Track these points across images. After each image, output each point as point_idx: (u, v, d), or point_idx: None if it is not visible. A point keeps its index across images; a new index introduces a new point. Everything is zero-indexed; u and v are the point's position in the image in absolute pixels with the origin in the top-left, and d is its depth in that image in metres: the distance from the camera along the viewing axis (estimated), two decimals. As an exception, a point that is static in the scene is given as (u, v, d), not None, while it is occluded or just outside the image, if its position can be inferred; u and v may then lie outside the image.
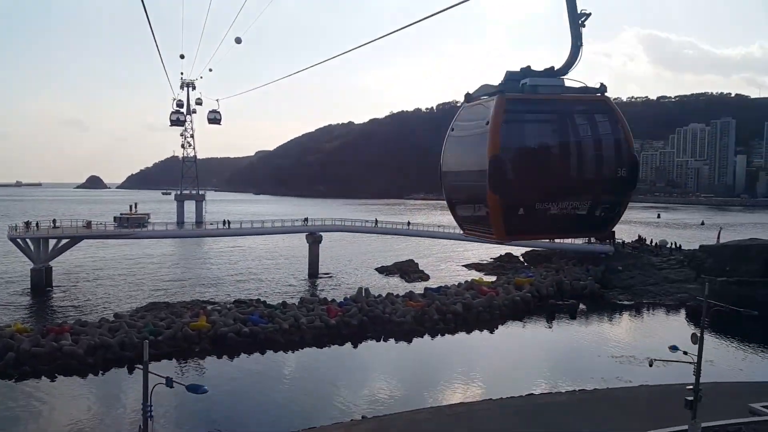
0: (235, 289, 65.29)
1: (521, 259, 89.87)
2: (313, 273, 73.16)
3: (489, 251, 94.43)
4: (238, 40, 42.99)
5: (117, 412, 32.40)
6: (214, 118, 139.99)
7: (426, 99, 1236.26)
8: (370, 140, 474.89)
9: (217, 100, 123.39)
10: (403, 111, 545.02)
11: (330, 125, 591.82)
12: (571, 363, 43.50)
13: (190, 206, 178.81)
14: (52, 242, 61.81)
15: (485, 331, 51.40)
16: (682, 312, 59.37)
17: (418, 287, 65.92)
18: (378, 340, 47.11)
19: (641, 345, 46.66)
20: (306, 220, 77.03)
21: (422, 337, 48.58)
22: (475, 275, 76.75)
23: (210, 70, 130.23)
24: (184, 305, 54.67)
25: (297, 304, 51.08)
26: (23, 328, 40.38)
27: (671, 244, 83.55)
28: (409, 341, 47.37)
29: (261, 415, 32.31)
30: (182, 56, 54.28)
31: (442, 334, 49.41)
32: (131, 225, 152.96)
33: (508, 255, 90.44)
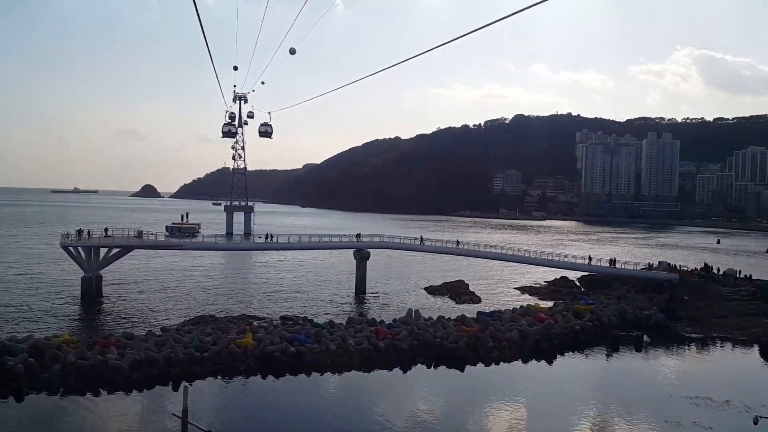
0: (282, 305, 64.06)
1: (578, 284, 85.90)
2: (360, 290, 71.35)
3: (543, 274, 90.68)
4: (292, 51, 41.93)
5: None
6: (266, 131, 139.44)
7: (474, 116, 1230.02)
8: (417, 156, 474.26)
9: (269, 113, 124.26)
10: (450, 127, 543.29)
11: (377, 140, 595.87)
12: (641, 402, 39.97)
13: (239, 217, 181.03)
14: (103, 251, 62.01)
15: (543, 362, 48.35)
16: (756, 348, 54.74)
17: (470, 310, 63.15)
18: (429, 366, 44.72)
19: (716, 385, 42.82)
20: (359, 236, 75.16)
21: (475, 365, 45.90)
22: (529, 300, 73.49)
23: (262, 83, 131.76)
24: (230, 320, 53.69)
25: (344, 324, 49.24)
26: (70, 339, 39.81)
27: (738, 272, 78.12)
28: (462, 368, 44.78)
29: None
30: (236, 68, 54.63)
31: (497, 363, 46.54)
32: (182, 234, 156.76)
33: (564, 279, 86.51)
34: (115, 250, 62.74)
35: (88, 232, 63.42)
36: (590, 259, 77.33)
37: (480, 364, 46.03)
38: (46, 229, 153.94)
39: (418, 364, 44.65)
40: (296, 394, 38.17)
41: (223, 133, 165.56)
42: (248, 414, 34.59)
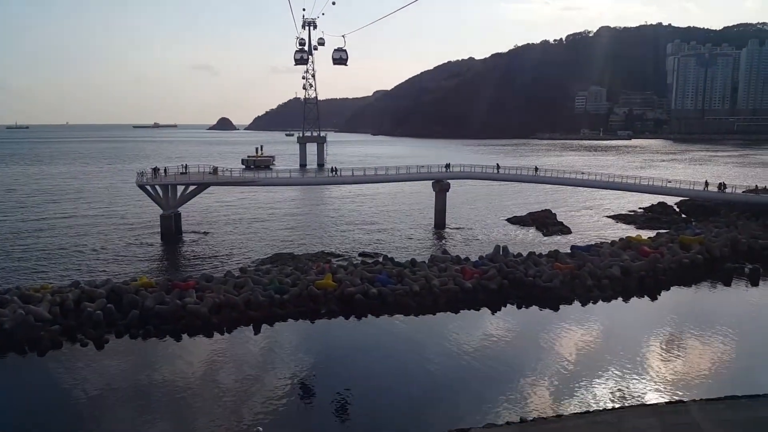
0: (360, 240, 61.78)
1: (677, 210, 78.66)
2: (440, 224, 67.82)
3: (637, 200, 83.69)
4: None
5: (241, 375, 29.78)
6: (340, 58, 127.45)
7: (553, 32, 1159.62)
8: (492, 77, 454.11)
9: (343, 36, 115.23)
10: (528, 44, 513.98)
11: (449, 62, 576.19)
12: (763, 343, 35.16)
13: (311, 148, 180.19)
14: (180, 189, 61.28)
15: (645, 298, 43.76)
16: None
17: (561, 243, 58.62)
18: (519, 307, 41.17)
19: None
20: (448, 166, 70.12)
21: (571, 304, 41.95)
22: (624, 229, 67.82)
23: (333, 2, 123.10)
24: (309, 257, 52.00)
25: (428, 262, 46.10)
26: (148, 282, 38.95)
27: None
28: (556, 309, 40.94)
29: (397, 397, 27.96)
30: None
31: (595, 302, 42.43)
32: (257, 167, 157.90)
33: (662, 205, 79.47)
34: (191, 188, 61.88)
35: (165, 169, 62.60)
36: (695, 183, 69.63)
37: (576, 302, 42.10)
38: (128, 166, 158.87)
39: (508, 305, 41.24)
40: (380, 336, 35.96)
41: (295, 60, 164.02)
42: (331, 356, 32.71)
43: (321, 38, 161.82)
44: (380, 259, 47.53)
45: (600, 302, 42.45)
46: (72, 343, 33.01)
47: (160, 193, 60.21)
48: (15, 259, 52.40)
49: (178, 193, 61.48)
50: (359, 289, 39.65)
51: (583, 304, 42.01)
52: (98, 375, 29.57)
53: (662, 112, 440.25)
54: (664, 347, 33.61)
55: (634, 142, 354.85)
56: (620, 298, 43.36)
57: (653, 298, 43.95)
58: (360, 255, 53.98)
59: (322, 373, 30.62)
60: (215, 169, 66.07)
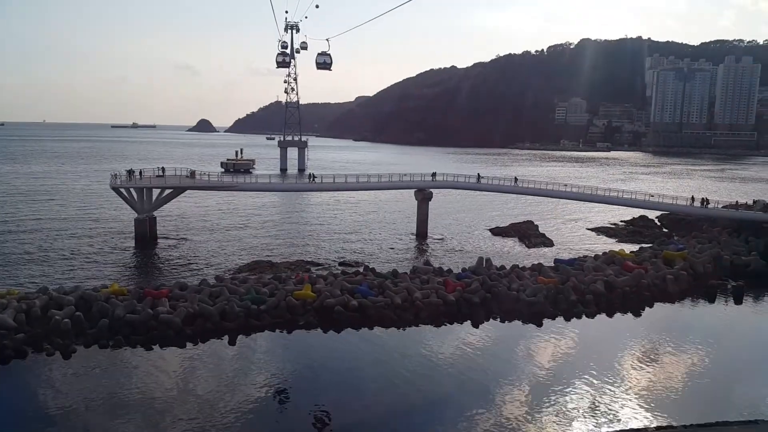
0: (340, 248, 60.57)
1: (658, 223, 78.88)
2: (422, 233, 66.92)
3: (619, 212, 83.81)
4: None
5: (215, 386, 28.52)
6: (324, 62, 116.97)
7: (535, 41, 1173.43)
8: (474, 85, 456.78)
9: (327, 40, 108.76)
10: (510, 54, 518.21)
11: (432, 70, 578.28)
12: (748, 361, 34.72)
13: (292, 153, 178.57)
14: (155, 192, 59.53)
15: (629, 315, 43.26)
16: None
17: (543, 255, 58.09)
18: (503, 321, 40.35)
19: None
20: (434, 175, 68.85)
21: (554, 319, 41.27)
22: (606, 242, 67.61)
23: (317, 6, 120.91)
24: (287, 266, 50.73)
25: (409, 273, 45.10)
26: (120, 290, 37.32)
27: None
28: (539, 324, 40.19)
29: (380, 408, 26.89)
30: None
31: (579, 317, 41.78)
32: (237, 170, 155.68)
33: (643, 218, 79.67)
34: (167, 191, 60.19)
35: (140, 172, 60.82)
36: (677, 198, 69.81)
37: (560, 318, 41.42)
38: (104, 166, 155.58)
39: (491, 319, 40.40)
40: (359, 349, 34.85)
41: (277, 63, 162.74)
42: (308, 369, 31.55)
43: (304, 42, 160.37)
44: (361, 269, 46.36)
45: (584, 318, 41.83)
46: (38, 353, 31.37)
47: (135, 196, 58.43)
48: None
49: (154, 197, 59.75)
50: (339, 300, 38.47)
51: (567, 319, 41.34)
52: (65, 385, 28.19)
53: (641, 124, 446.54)
54: (651, 367, 32.96)
55: (612, 154, 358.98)
56: (604, 314, 42.81)
57: (637, 314, 43.40)
58: (340, 264, 52.83)
59: (299, 385, 29.59)
60: (192, 173, 64.53)
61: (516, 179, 71.18)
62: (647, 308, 44.33)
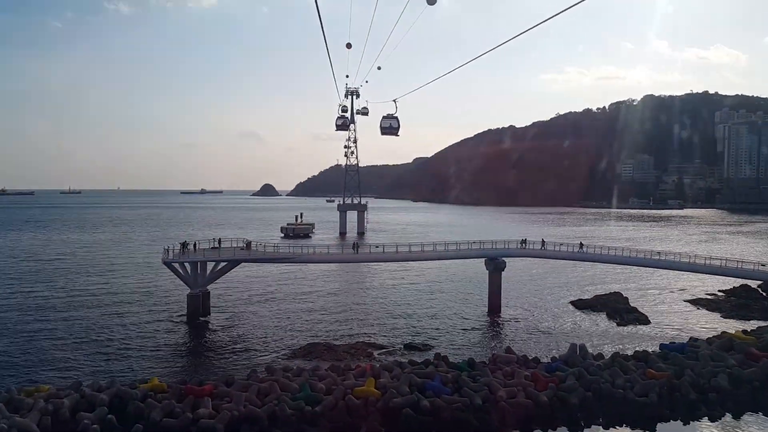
0: (405, 327, 54.56)
1: (763, 293, 69.03)
2: (495, 308, 60.15)
3: (715, 281, 74.20)
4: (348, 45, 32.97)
5: None
6: (389, 127, 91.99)
7: (592, 100, 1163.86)
8: (534, 144, 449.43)
9: (394, 101, 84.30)
10: (570, 111, 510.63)
11: (490, 130, 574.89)
12: None
13: (352, 216, 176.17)
14: (210, 265, 56.04)
15: (760, 414, 35.14)
16: None
17: (642, 336, 50.50)
18: (606, 428, 33.13)
19: None
20: (524, 241, 63.38)
21: (668, 422, 33.77)
22: (711, 318, 58.97)
23: (378, 68, 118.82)
24: (347, 349, 45.34)
25: (489, 363, 38.69)
26: (159, 386, 32.76)
27: None
28: (653, 429, 32.89)
29: None
30: (349, 45, 45.37)
31: (699, 420, 34.09)
32: (297, 235, 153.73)
33: (745, 288, 70.02)
34: (222, 264, 56.61)
35: (194, 244, 57.67)
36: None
37: (677, 422, 33.90)
38: (170, 232, 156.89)
39: (593, 426, 33.28)
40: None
41: (337, 126, 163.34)
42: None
43: (365, 108, 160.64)
44: (431, 358, 40.19)
45: (705, 420, 34.17)
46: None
47: (189, 271, 55.03)
48: (18, 345, 46.66)
49: (208, 271, 56.25)
50: (407, 400, 32.43)
51: (686, 423, 33.86)
52: None
53: (713, 180, 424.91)
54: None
55: (686, 212, 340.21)
56: (728, 415, 34.94)
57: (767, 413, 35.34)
58: (406, 347, 46.87)
59: None
60: (249, 244, 60.93)
61: (582, 245, 63.93)
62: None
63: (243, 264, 61.02)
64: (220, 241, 61.54)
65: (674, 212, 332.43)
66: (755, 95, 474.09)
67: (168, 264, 54.01)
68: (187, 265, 55.14)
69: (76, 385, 33.02)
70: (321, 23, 26.05)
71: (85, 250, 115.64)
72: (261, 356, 43.98)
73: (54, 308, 60.39)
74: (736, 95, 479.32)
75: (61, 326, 52.75)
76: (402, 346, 47.21)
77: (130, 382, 33.97)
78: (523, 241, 63.52)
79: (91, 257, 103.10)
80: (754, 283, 70.59)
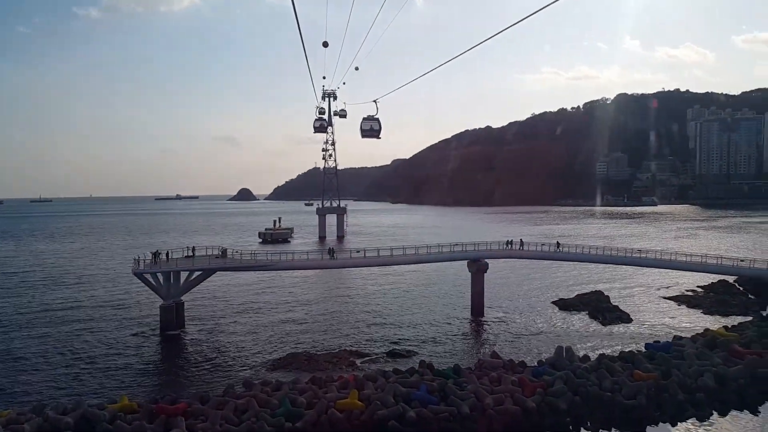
0: (387, 332, 53.35)
1: (740, 288, 69.38)
2: (478, 310, 59.30)
3: (693, 278, 74.44)
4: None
5: None
6: (370, 129, 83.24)
7: (567, 99, 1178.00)
8: (510, 144, 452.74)
9: (375, 101, 79.36)
10: (546, 111, 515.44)
11: (466, 131, 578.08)
12: None
13: (331, 219, 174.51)
14: (183, 275, 54.12)
15: (745, 413, 34.81)
16: None
17: (625, 336, 49.98)
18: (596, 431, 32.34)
19: None
20: (516, 243, 62.98)
21: (657, 425, 33.13)
22: (692, 315, 58.88)
23: (356, 68, 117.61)
24: (328, 359, 43.92)
25: (474, 368, 37.69)
26: (129, 405, 31.00)
27: None
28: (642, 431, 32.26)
29: None
30: (325, 44, 43.53)
31: (686, 419, 33.56)
32: (275, 240, 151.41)
33: (723, 283, 70.45)
34: (196, 274, 54.74)
35: (167, 254, 55.70)
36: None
37: (666, 424, 33.26)
38: (144, 240, 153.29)
39: (582, 429, 32.50)
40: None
41: (315, 128, 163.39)
42: None
43: (343, 110, 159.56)
44: (416, 365, 39.00)
45: (693, 420, 33.62)
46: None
47: (161, 281, 53.09)
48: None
49: (182, 281, 54.31)
50: (393, 411, 31.20)
51: (674, 424, 33.26)
52: None
53: (686, 177, 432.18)
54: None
55: (660, 208, 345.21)
56: (715, 414, 34.48)
57: (754, 412, 34.97)
58: (389, 355, 45.65)
59: None
60: (224, 252, 59.20)
61: (558, 244, 63.35)
62: (758, 406, 35.71)
63: (219, 272, 59.30)
64: (194, 249, 59.72)
65: (649, 209, 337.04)
66: (724, 92, 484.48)
67: (139, 275, 51.99)
68: (159, 275, 53.19)
69: (38, 408, 31.09)
70: (297, 21, 24.77)
71: (53, 261, 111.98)
72: (238, 370, 42.28)
73: (17, 325, 57.49)
74: (707, 93, 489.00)
75: (24, 344, 50.12)
76: (385, 354, 45.97)
77: (97, 403, 32.09)
78: (509, 242, 62.81)
79: (59, 269, 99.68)
80: (731, 278, 71.09)
